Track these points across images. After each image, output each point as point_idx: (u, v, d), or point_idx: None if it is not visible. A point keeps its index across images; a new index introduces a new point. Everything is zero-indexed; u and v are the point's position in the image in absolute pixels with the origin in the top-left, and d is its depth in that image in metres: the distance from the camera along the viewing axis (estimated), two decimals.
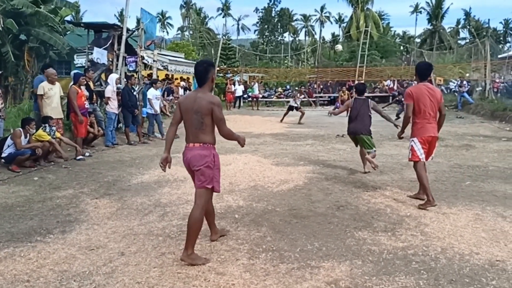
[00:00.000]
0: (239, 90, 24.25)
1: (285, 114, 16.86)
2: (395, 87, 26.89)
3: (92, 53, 12.69)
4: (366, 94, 7.64)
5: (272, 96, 28.64)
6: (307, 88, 28.94)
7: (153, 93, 11.69)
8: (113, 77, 10.56)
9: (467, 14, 67.63)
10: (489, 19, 48.73)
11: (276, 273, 3.51)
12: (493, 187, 6.30)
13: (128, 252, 3.94)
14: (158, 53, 15.80)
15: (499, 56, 28.98)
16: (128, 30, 13.07)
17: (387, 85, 28.50)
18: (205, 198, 3.77)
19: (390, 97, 24.17)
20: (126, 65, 13.07)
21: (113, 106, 10.16)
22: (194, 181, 3.85)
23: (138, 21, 13.76)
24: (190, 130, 3.76)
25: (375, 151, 7.16)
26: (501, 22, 71.52)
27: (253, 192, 6.07)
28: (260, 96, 26.04)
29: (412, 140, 5.44)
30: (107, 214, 5.09)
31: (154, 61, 13.14)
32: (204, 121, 3.66)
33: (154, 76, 14.02)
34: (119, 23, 18.53)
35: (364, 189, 6.26)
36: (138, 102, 11.17)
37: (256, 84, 25.95)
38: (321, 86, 29.72)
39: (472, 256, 3.86)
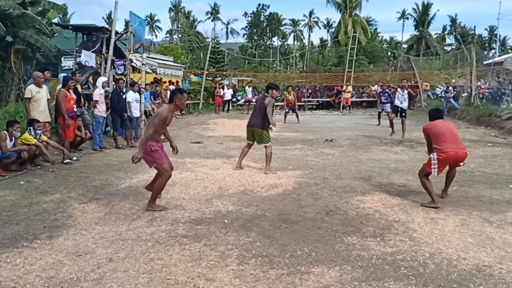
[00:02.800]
0: (228, 94, 24.25)
1: (401, 128, 12.72)
2: None
3: (80, 56, 12.58)
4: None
5: None
6: (304, 90, 28.43)
7: (132, 96, 11.26)
8: (100, 80, 10.48)
9: (453, 20, 68.83)
10: (475, 26, 49.72)
11: (266, 279, 3.51)
12: (480, 192, 6.38)
13: (117, 258, 3.89)
14: (147, 56, 15.71)
15: (484, 62, 29.47)
16: (116, 33, 12.99)
17: (374, 90, 28.77)
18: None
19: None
20: (114, 68, 12.98)
21: (101, 110, 10.07)
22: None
23: (127, 24, 13.70)
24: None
25: (271, 145, 7.81)
26: (486, 29, 72.88)
27: (243, 197, 6.06)
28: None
29: (433, 155, 5.72)
30: (95, 219, 5.03)
31: (143, 64, 13.05)
32: None
33: (143, 80, 13.92)
34: (107, 26, 18.41)
35: (352, 194, 6.29)
36: (127, 106, 11.06)
37: (250, 88, 26.00)
38: (310, 91, 29.88)
39: (460, 261, 3.90)
